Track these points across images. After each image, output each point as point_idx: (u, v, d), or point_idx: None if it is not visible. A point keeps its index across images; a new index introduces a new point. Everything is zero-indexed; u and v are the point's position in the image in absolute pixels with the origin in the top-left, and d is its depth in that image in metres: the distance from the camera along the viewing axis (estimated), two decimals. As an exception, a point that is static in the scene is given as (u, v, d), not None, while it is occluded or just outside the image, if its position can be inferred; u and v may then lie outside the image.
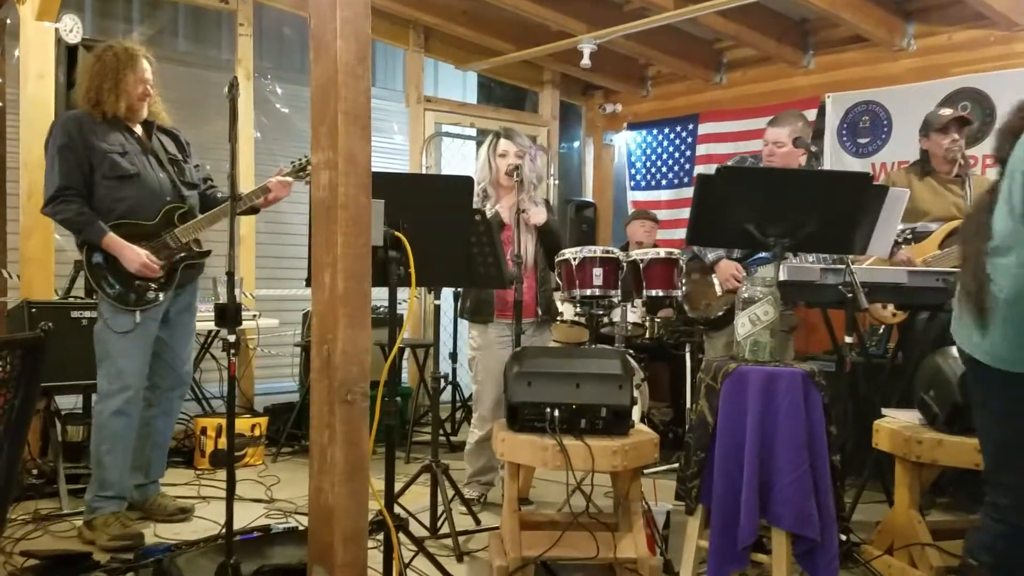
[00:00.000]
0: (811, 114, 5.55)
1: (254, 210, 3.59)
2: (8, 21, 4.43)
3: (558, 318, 4.19)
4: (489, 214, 3.57)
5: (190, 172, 3.55)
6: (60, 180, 3.22)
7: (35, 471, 3.82)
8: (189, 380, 3.67)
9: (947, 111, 4.00)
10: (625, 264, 3.71)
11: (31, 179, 4.09)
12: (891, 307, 4.00)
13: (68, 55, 3.98)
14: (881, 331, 4.65)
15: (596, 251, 3.62)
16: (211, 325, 4.43)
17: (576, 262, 3.60)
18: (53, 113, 4.00)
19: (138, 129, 3.42)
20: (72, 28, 4.01)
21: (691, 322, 4.41)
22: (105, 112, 3.29)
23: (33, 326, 3.60)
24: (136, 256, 3.23)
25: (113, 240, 3.23)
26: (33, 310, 3.71)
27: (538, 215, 3.79)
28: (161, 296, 3.33)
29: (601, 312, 3.88)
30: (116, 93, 3.29)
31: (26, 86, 4.13)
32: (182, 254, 3.38)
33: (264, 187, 3.43)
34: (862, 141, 5.38)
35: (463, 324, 4.09)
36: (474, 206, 3.24)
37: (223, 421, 4.21)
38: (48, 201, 3.26)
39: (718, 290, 3.97)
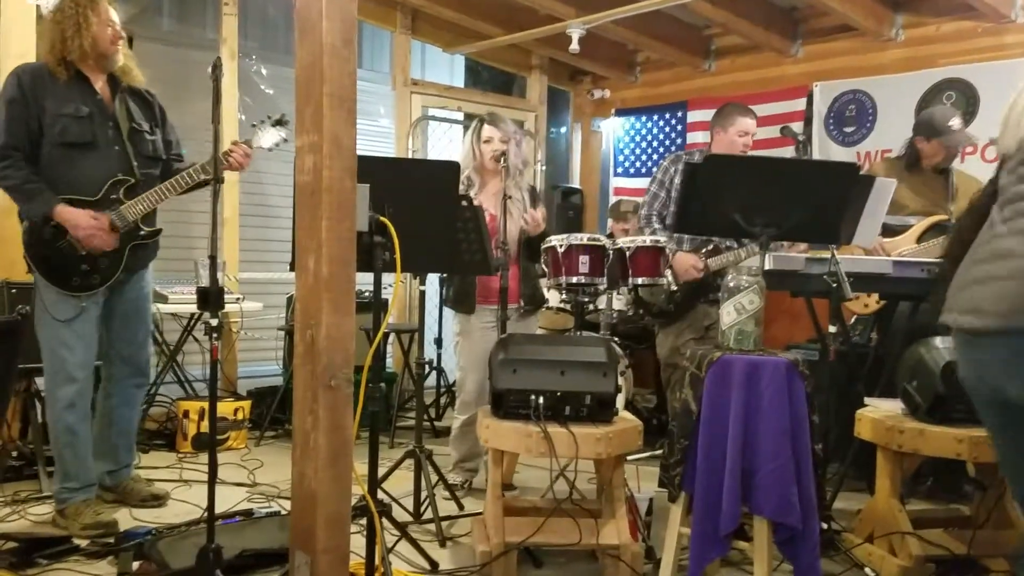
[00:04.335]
0: (800, 103, 5.57)
1: (205, 182, 3.24)
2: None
3: (544, 306, 4.19)
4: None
5: (153, 145, 3.29)
6: (4, 138, 2.98)
7: (15, 453, 3.79)
8: (148, 369, 3.52)
9: (957, 122, 3.89)
10: (611, 252, 3.70)
11: (11, 158, 4.03)
12: (863, 297, 4.01)
13: (49, 33, 3.91)
14: (854, 320, 4.66)
15: (582, 238, 3.60)
16: (194, 308, 4.41)
17: (562, 249, 3.58)
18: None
19: (102, 89, 3.17)
20: (54, 6, 3.95)
21: (649, 314, 4.41)
22: (70, 64, 3.06)
23: (12, 307, 3.56)
24: (79, 224, 3.01)
25: (65, 211, 2.99)
26: (13, 291, 3.67)
27: (538, 227, 3.77)
28: (106, 281, 3.15)
29: (587, 299, 3.87)
30: (80, 37, 3.04)
31: (6, 64, 4.04)
32: (130, 235, 3.16)
33: (224, 156, 3.11)
34: (848, 130, 5.39)
35: (448, 310, 4.08)
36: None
37: (205, 404, 4.18)
38: None
39: (672, 285, 3.97)
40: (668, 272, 3.96)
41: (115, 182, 3.14)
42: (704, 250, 3.96)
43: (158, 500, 3.46)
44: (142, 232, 3.23)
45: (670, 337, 4.15)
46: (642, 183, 6.60)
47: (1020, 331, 1.57)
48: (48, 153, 3.06)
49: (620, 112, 6.82)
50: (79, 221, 3.03)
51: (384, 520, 2.76)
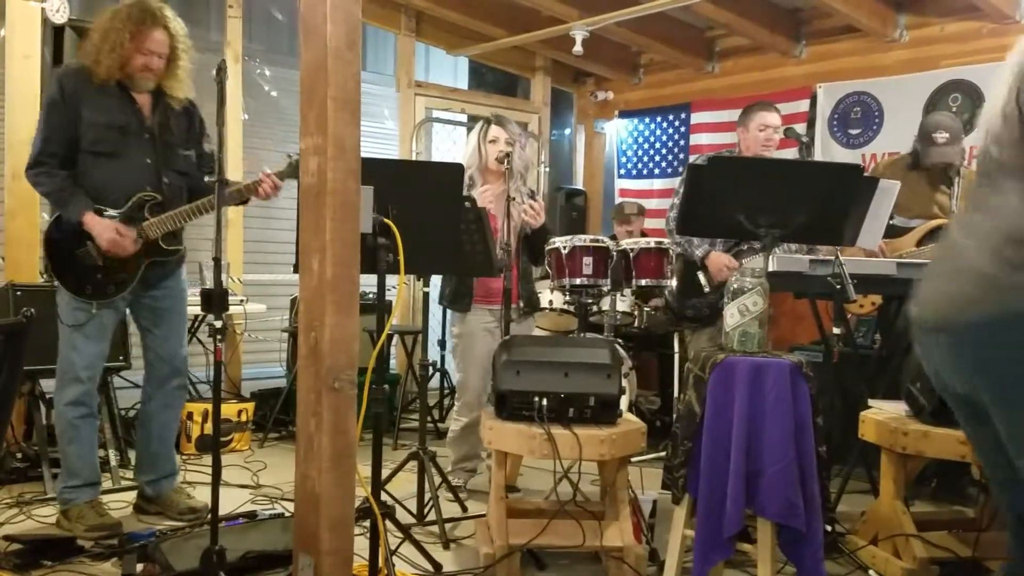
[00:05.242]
0: (803, 104, 5.56)
1: (244, 200, 3.34)
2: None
3: (546, 308, 4.18)
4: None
5: (186, 160, 3.30)
6: (42, 144, 3.04)
7: (19, 455, 3.79)
8: (185, 369, 3.48)
9: (943, 136, 3.85)
10: (615, 253, 3.70)
11: (16, 159, 4.04)
12: (860, 297, 4.00)
13: (54, 35, 3.93)
14: (849, 319, 4.64)
15: (586, 240, 3.61)
16: (198, 310, 4.41)
17: (566, 251, 3.59)
18: (39, 94, 3.95)
19: (142, 100, 3.18)
20: (59, 8, 3.96)
21: (680, 317, 4.40)
22: (102, 74, 3.06)
23: (18, 309, 3.56)
24: (103, 232, 3.03)
25: (93, 219, 3.03)
26: (18, 293, 3.68)
27: (537, 218, 3.77)
28: (120, 292, 3.15)
29: (590, 301, 3.87)
30: (112, 56, 3.03)
31: (11, 66, 4.08)
32: (149, 250, 3.16)
33: (254, 185, 3.20)
34: (853, 132, 5.38)
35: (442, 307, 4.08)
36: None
37: (209, 406, 4.18)
38: (29, 166, 3.07)
39: (705, 288, 3.96)
40: (701, 275, 3.95)
41: (142, 198, 3.15)
42: (734, 251, 3.94)
43: (195, 513, 3.35)
44: (162, 249, 3.22)
45: (702, 340, 4.08)
46: (646, 185, 6.61)
47: (954, 327, 1.59)
48: (81, 160, 3.10)
49: (623, 114, 6.82)
50: (104, 231, 3.06)
51: (387, 522, 2.76)
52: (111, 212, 3.10)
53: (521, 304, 3.84)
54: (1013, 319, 1.49)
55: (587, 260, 3.57)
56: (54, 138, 3.06)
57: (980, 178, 1.66)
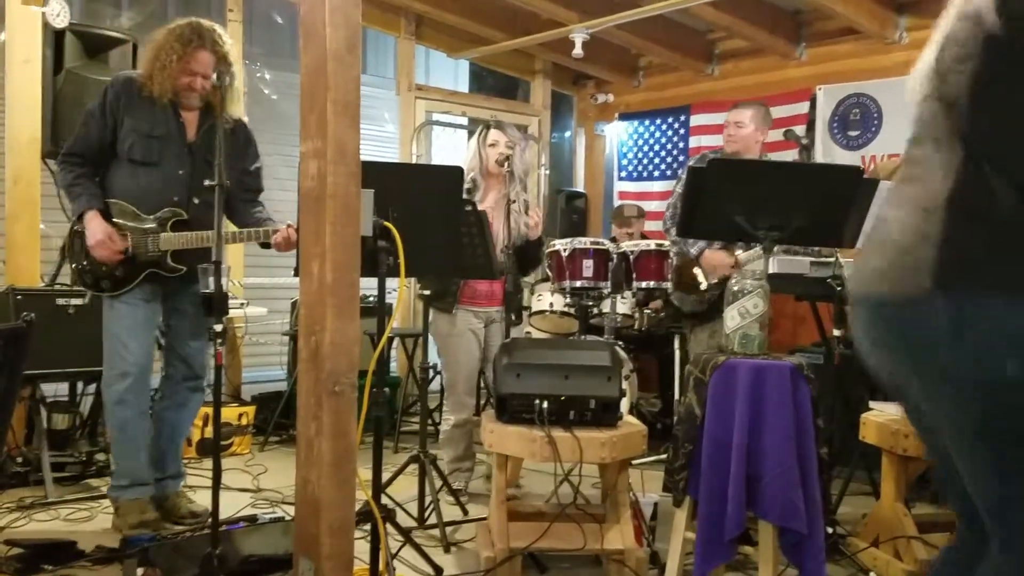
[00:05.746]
0: (803, 106, 5.56)
1: (267, 244, 3.30)
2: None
3: (546, 310, 4.19)
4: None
5: (217, 176, 3.31)
6: (70, 145, 3.19)
7: (20, 459, 3.79)
8: (202, 372, 3.48)
9: None
10: (615, 255, 3.70)
11: (17, 163, 4.05)
12: None
13: (55, 40, 3.93)
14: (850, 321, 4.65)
15: (586, 242, 3.61)
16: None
17: (566, 253, 3.60)
18: (39, 98, 3.96)
19: (189, 115, 3.25)
20: (59, 12, 3.96)
21: (679, 315, 4.42)
22: (155, 91, 3.14)
23: (18, 314, 3.57)
24: (95, 232, 3.10)
25: (92, 219, 3.12)
26: (19, 297, 3.68)
27: (536, 230, 3.78)
28: (116, 289, 3.19)
29: (591, 303, 3.88)
30: (161, 73, 3.11)
31: (11, 70, 4.08)
32: (153, 262, 3.20)
33: (272, 231, 3.21)
34: (852, 134, 5.37)
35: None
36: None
37: (210, 410, 4.16)
38: (59, 160, 3.27)
39: (703, 284, 3.96)
40: (699, 272, 3.96)
41: (170, 212, 3.20)
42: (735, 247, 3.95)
43: (196, 517, 3.36)
44: (166, 265, 3.23)
45: (704, 336, 4.10)
46: (646, 187, 6.61)
47: (872, 301, 1.53)
48: (117, 165, 3.19)
49: (623, 116, 6.82)
50: (94, 232, 3.12)
51: (388, 525, 2.76)
52: (141, 214, 3.18)
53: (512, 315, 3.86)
54: (926, 297, 1.39)
55: (587, 262, 3.58)
56: (84, 141, 3.18)
57: (910, 146, 1.63)
